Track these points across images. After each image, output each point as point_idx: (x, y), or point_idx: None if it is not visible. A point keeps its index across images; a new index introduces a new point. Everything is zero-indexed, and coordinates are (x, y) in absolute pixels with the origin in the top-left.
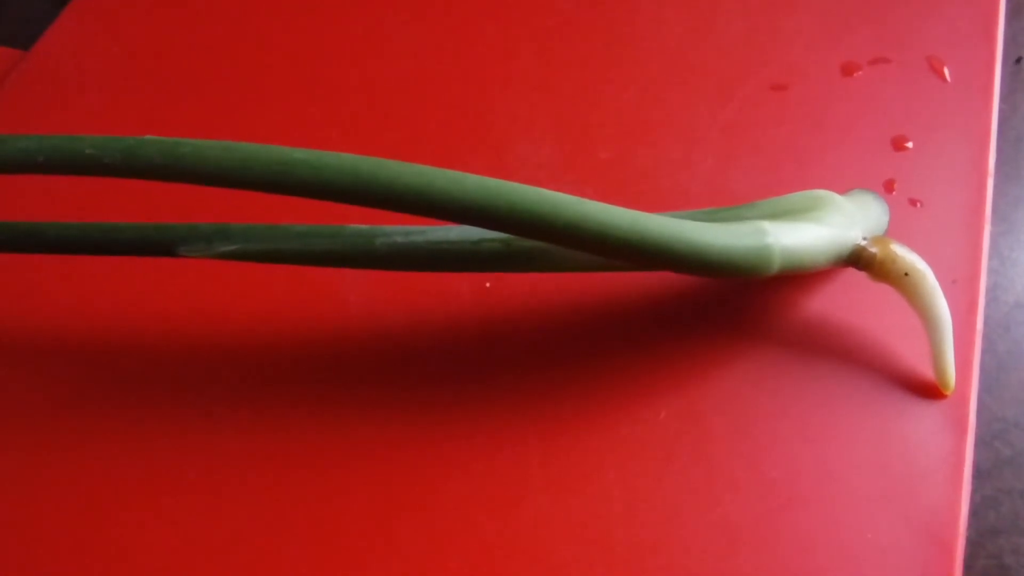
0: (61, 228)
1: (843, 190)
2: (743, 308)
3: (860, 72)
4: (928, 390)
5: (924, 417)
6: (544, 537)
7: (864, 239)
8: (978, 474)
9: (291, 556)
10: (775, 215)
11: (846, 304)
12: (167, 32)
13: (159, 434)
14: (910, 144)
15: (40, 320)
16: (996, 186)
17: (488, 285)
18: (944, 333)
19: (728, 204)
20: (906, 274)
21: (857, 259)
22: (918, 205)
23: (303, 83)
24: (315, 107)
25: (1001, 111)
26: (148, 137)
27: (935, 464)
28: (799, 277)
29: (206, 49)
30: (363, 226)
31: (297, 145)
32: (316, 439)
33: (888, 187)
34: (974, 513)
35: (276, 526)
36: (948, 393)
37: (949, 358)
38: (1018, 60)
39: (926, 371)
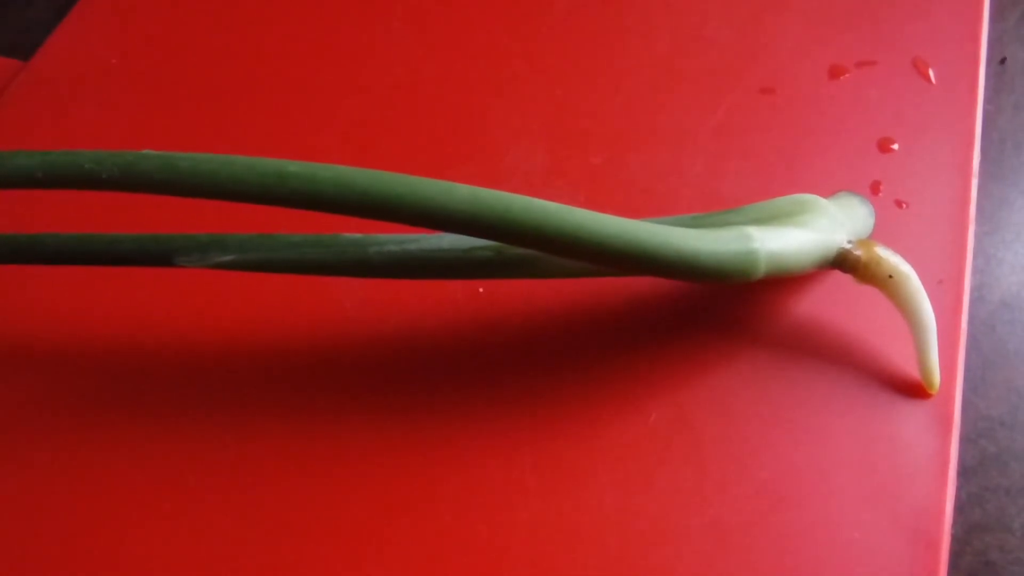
0: (60, 239)
1: (830, 192)
2: (731, 311)
3: (847, 75)
4: (914, 390)
5: (910, 417)
6: (537, 540)
7: (849, 242)
8: (964, 472)
9: (286, 559)
10: (761, 220)
11: (832, 306)
12: (166, 43)
13: (157, 441)
14: (896, 146)
15: (40, 330)
16: (981, 186)
17: (481, 291)
18: (928, 334)
19: (718, 207)
20: (890, 276)
21: (842, 262)
22: (904, 206)
23: (299, 92)
24: (311, 116)
25: (986, 112)
26: (146, 152)
27: (921, 463)
28: (786, 280)
29: (204, 60)
30: (357, 235)
31: (293, 152)
32: (310, 444)
33: (874, 189)
34: (960, 510)
35: (270, 530)
36: (933, 393)
37: (934, 358)
38: (1002, 61)
39: (912, 371)
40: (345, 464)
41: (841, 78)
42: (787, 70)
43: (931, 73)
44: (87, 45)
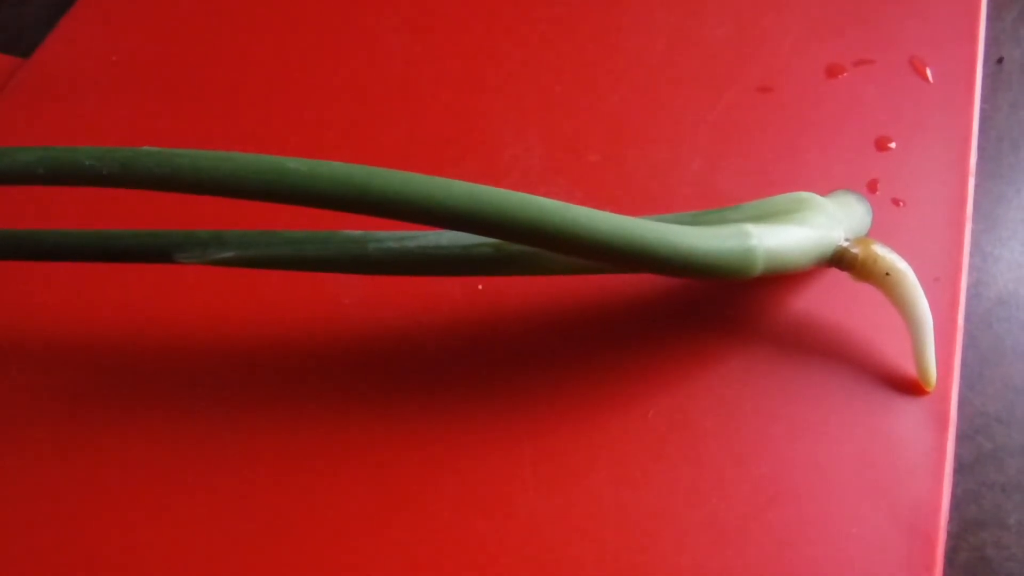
0: (60, 236)
1: (828, 190)
2: (729, 308)
3: (844, 73)
4: (911, 387)
5: (907, 413)
6: (535, 536)
7: (846, 240)
8: (960, 468)
9: (285, 556)
10: (759, 217)
11: (830, 303)
12: (165, 40)
13: (155, 436)
14: (893, 144)
15: (39, 326)
16: (978, 184)
17: (480, 287)
18: (925, 331)
19: (716, 205)
20: (887, 274)
21: (840, 260)
22: (901, 204)
23: (298, 90)
24: (310, 113)
25: (983, 110)
26: (145, 148)
27: (918, 459)
28: (784, 277)
29: (203, 57)
30: (356, 232)
31: (292, 148)
32: (309, 440)
33: (872, 187)
34: (956, 507)
35: (270, 526)
36: (930, 390)
37: (930, 355)
38: (1000, 60)
39: (909, 368)
40: (343, 460)
41: (839, 77)
42: (785, 68)
43: (928, 72)
44: (87, 42)
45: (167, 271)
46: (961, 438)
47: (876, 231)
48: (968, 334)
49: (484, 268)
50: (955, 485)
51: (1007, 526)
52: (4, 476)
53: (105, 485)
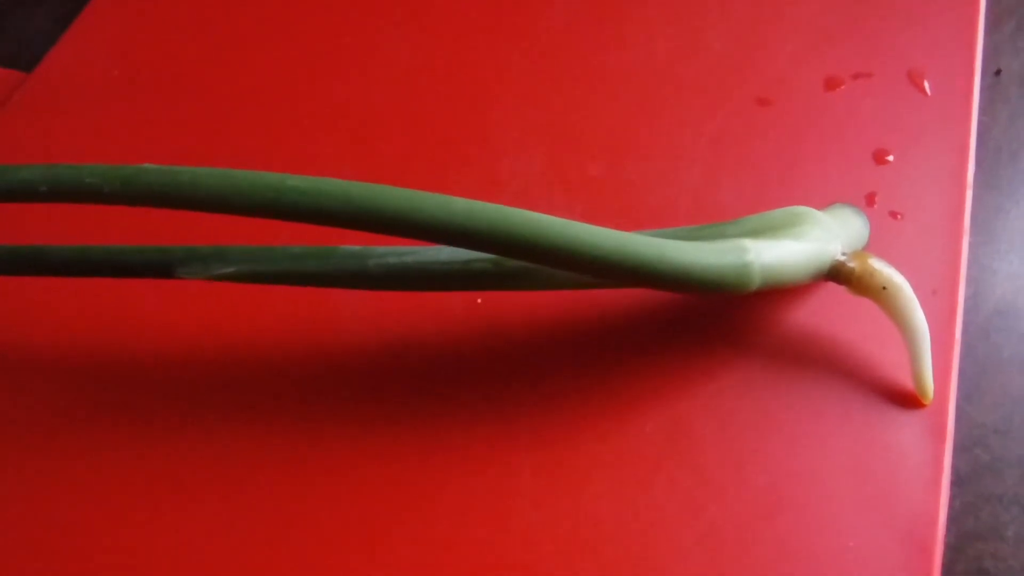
0: (62, 251)
1: (826, 203)
2: (727, 322)
3: (842, 86)
4: (908, 399)
5: (904, 426)
6: (534, 547)
7: (843, 254)
8: (958, 480)
9: (284, 566)
10: (756, 232)
11: (827, 316)
12: (167, 55)
13: (157, 448)
14: (891, 157)
15: (42, 340)
16: (976, 197)
17: (479, 301)
18: (922, 345)
19: (714, 217)
20: (884, 288)
21: (837, 274)
22: (899, 217)
23: (299, 103)
24: (311, 125)
25: (981, 123)
26: (146, 165)
27: (915, 471)
28: (781, 291)
29: (205, 72)
30: (356, 247)
31: (293, 162)
32: (311, 452)
33: (870, 200)
34: (954, 519)
35: (268, 537)
36: (927, 402)
37: (927, 369)
38: (997, 72)
39: (906, 381)
40: (344, 472)
41: (837, 89)
42: (783, 81)
43: (926, 85)
44: (89, 57)
45: (168, 286)
46: (958, 450)
47: (874, 244)
48: (965, 345)
49: (483, 283)
50: (952, 497)
51: (1005, 538)
52: (7, 484)
53: (105, 495)
